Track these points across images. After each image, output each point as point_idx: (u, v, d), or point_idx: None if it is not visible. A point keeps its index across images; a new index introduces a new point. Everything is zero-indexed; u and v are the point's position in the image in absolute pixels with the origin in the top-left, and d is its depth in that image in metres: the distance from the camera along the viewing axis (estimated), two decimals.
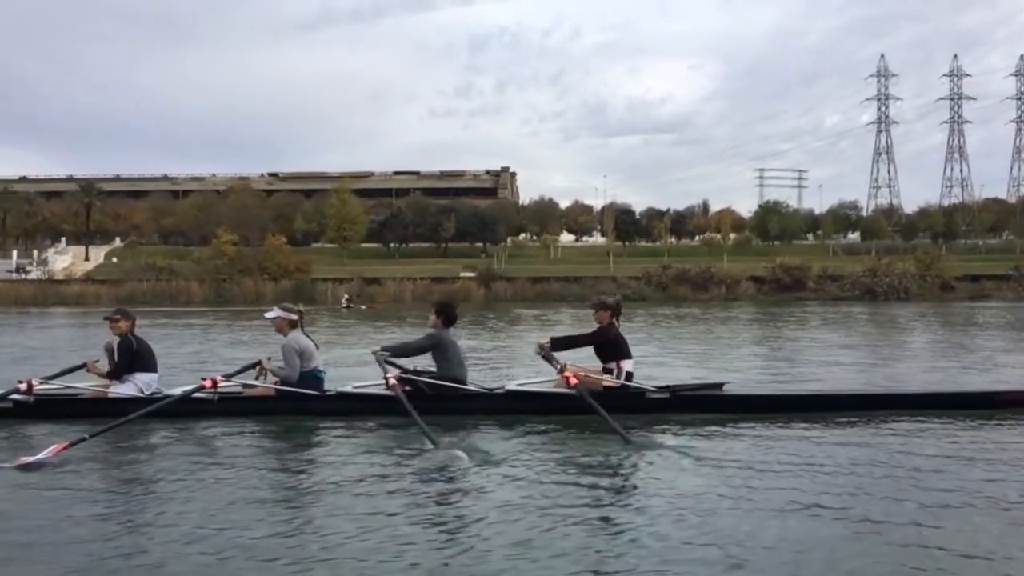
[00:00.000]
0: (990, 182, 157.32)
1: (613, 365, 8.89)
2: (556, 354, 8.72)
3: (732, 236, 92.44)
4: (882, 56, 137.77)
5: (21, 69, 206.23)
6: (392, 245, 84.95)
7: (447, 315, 9.08)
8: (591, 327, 9.20)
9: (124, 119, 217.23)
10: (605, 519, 5.10)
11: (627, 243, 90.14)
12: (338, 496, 5.63)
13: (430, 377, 8.80)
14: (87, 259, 79.06)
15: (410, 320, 32.64)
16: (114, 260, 77.30)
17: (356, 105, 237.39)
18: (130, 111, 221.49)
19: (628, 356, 8.98)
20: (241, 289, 56.66)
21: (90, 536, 4.78)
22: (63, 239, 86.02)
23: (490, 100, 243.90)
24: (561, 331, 25.21)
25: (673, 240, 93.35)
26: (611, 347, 8.97)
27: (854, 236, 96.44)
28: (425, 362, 9.29)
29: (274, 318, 8.92)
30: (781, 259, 63.91)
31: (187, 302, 53.74)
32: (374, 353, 8.79)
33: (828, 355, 16.55)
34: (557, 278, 62.36)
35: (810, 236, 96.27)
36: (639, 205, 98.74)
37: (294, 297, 53.51)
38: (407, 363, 9.13)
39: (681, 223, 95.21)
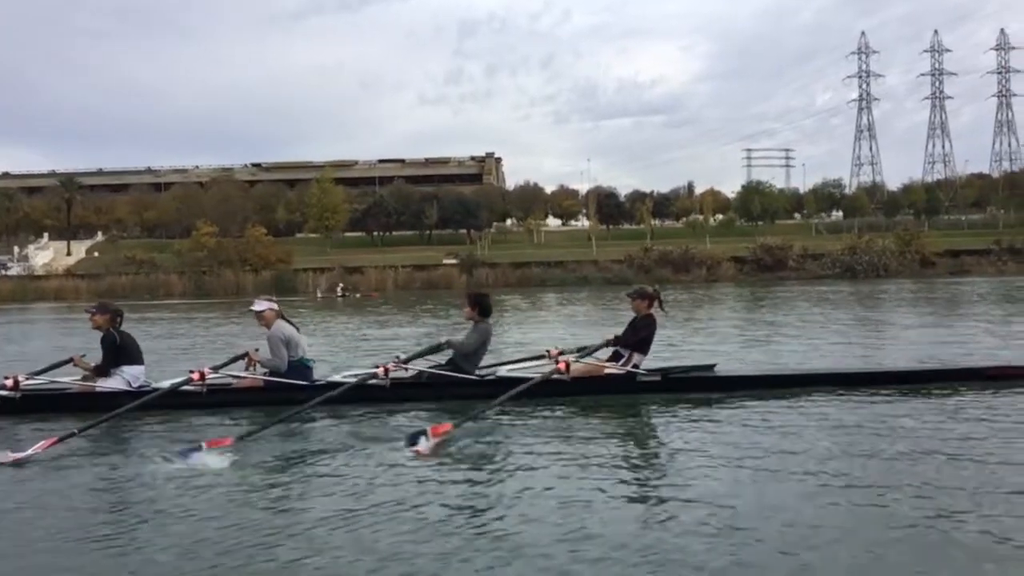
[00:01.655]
0: (980, 157, 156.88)
1: (626, 354, 8.90)
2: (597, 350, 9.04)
3: (719, 217, 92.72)
4: (863, 33, 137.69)
5: (5, 63, 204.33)
6: (376, 234, 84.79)
7: (482, 306, 9.09)
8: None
9: (111, 113, 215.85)
10: (576, 496, 5.24)
11: (611, 226, 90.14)
12: (330, 486, 5.61)
13: (436, 368, 8.91)
14: (69, 254, 78.83)
15: (400, 308, 32.74)
16: (96, 254, 77.07)
17: (346, 94, 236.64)
18: (117, 105, 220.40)
19: (644, 351, 8.96)
20: (221, 281, 56.58)
21: (80, 531, 4.76)
22: (45, 235, 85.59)
23: (480, 85, 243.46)
24: (544, 316, 25.45)
25: (658, 223, 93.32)
26: (636, 338, 8.95)
27: (839, 214, 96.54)
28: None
29: (262, 311, 8.86)
30: (762, 239, 64.19)
31: (167, 295, 53.68)
32: (440, 343, 9.06)
33: (807, 334, 16.63)
34: (539, 263, 62.51)
35: (797, 215, 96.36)
36: (632, 188, 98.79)
37: (275, 288, 53.77)
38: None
39: (665, 205, 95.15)
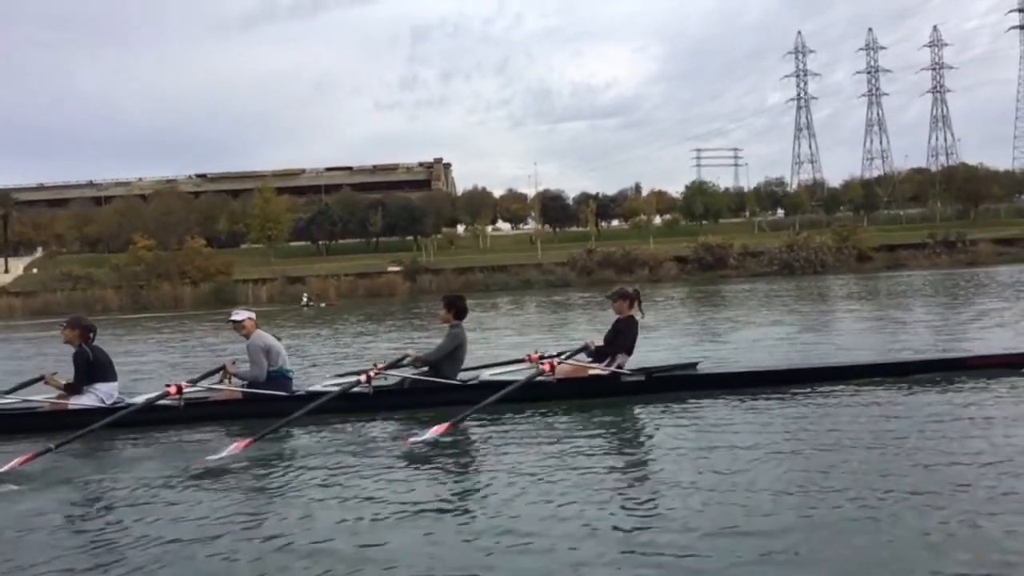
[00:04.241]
0: (922, 152, 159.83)
1: (609, 354, 8.91)
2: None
3: (665, 217, 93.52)
4: (799, 33, 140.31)
5: None
6: (321, 242, 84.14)
7: (458, 308, 9.08)
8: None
9: (55, 126, 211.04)
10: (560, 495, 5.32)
11: (558, 229, 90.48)
12: (316, 497, 5.58)
13: (419, 374, 8.86)
14: (6, 271, 77.02)
15: (359, 317, 32.63)
16: (34, 271, 75.44)
17: (301, 101, 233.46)
18: (62, 118, 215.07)
19: (628, 351, 8.96)
20: (159, 294, 55.71)
21: (59, 549, 4.71)
22: None
23: (435, 91, 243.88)
24: (501, 321, 25.42)
25: (604, 224, 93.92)
26: (617, 338, 8.95)
27: (782, 212, 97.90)
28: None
29: (241, 320, 8.79)
30: (703, 239, 64.89)
31: (103, 311, 52.60)
32: (407, 360, 9.00)
33: (762, 330, 16.94)
34: (483, 268, 62.47)
35: (747, 214, 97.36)
36: (590, 190, 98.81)
37: (215, 300, 53.19)
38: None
39: (612, 207, 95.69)
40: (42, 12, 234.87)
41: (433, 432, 6.80)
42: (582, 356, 9.20)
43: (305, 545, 4.62)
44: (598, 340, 9.25)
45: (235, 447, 6.60)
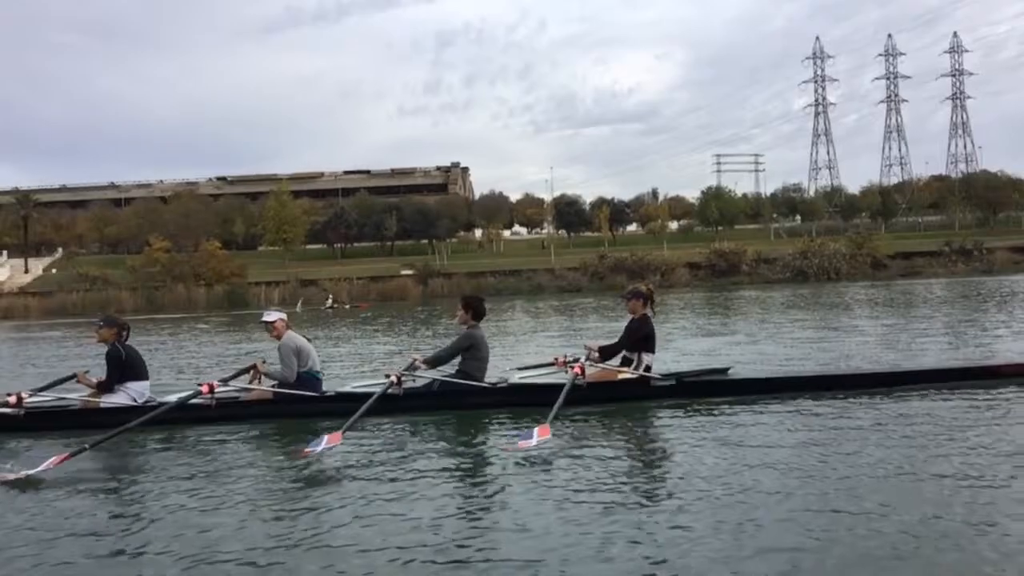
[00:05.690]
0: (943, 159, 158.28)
1: (634, 356, 8.87)
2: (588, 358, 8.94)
3: (679, 222, 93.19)
4: (817, 38, 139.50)
5: None
6: (337, 246, 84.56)
7: (476, 309, 9.05)
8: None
9: (84, 128, 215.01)
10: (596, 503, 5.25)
11: (573, 234, 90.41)
12: (348, 499, 5.54)
13: (444, 376, 8.86)
14: (27, 271, 77.98)
15: (386, 320, 32.82)
16: (53, 271, 76.37)
17: (325, 106, 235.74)
18: (90, 120, 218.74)
19: (651, 350, 8.92)
20: (173, 296, 56.23)
21: (98, 547, 4.75)
22: (4, 252, 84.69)
23: (459, 96, 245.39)
24: (516, 326, 25.44)
25: (621, 230, 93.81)
26: (638, 339, 8.91)
27: (799, 218, 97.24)
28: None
29: (272, 321, 8.83)
30: (717, 244, 64.60)
31: (118, 311, 53.02)
32: (414, 363, 8.89)
33: (774, 337, 16.74)
34: (494, 272, 62.51)
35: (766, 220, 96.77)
36: (613, 195, 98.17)
37: (228, 302, 53.65)
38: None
39: (627, 212, 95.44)
40: (66, 16, 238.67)
41: (539, 439, 6.41)
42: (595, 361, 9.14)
43: (362, 551, 4.55)
44: (599, 345, 9.20)
45: (330, 439, 6.57)
